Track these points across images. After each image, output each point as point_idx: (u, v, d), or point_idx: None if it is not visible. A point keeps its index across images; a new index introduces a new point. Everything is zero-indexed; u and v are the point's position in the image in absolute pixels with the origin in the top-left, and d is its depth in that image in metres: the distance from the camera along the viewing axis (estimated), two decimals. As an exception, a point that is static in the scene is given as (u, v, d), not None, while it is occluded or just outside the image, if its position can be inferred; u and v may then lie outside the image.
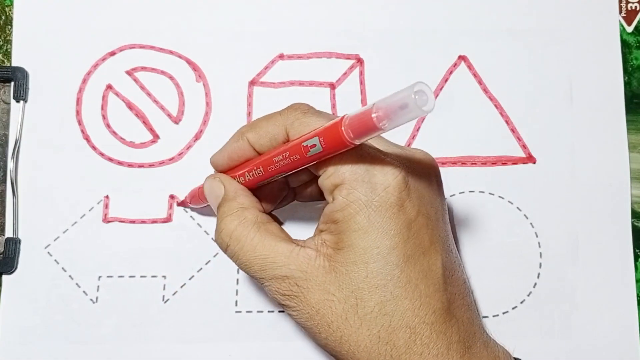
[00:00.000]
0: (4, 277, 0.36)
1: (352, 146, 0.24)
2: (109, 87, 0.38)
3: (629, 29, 0.39)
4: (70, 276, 0.36)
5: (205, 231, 0.37)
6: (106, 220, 0.37)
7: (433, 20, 0.39)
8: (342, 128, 0.24)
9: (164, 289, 0.36)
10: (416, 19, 0.39)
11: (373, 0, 0.39)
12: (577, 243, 0.37)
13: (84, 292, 0.36)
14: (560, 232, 0.37)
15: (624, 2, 0.39)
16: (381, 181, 0.26)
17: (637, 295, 0.37)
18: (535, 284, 0.37)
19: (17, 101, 0.37)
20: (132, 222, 0.37)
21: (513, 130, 0.38)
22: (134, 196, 0.37)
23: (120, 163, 0.37)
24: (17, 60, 0.38)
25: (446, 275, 0.27)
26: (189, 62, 0.38)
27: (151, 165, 0.37)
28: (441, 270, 0.27)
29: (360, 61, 0.39)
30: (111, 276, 0.36)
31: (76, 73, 0.38)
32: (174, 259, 0.37)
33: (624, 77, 0.39)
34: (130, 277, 0.36)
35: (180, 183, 0.37)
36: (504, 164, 0.38)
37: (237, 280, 0.36)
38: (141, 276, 0.36)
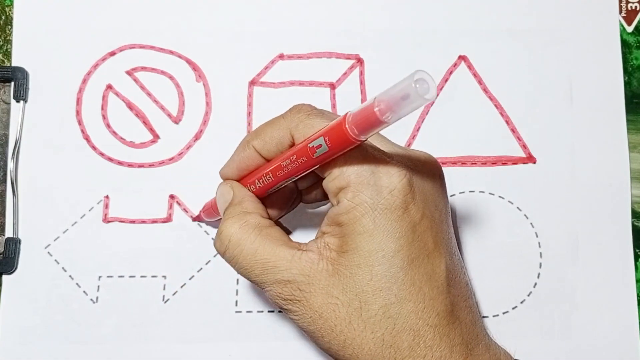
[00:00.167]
0: (4, 277, 0.36)
1: (359, 143, 0.24)
2: (109, 87, 0.38)
3: (629, 29, 0.39)
4: (70, 276, 0.36)
5: (205, 231, 0.37)
6: (106, 220, 0.37)
7: (433, 20, 0.39)
8: (346, 125, 0.24)
9: (164, 289, 0.36)
10: (416, 19, 0.39)
11: (373, 0, 0.39)
12: (577, 243, 0.37)
13: (84, 292, 0.36)
14: (560, 232, 0.37)
15: (624, 2, 0.39)
16: (387, 184, 0.26)
17: (637, 295, 0.37)
18: (535, 284, 0.37)
19: (17, 101, 0.37)
20: (132, 222, 0.37)
21: (513, 130, 0.38)
22: (134, 196, 0.37)
23: (120, 163, 0.37)
24: (17, 60, 0.38)
25: (449, 277, 0.27)
26: (189, 62, 0.38)
27: (151, 165, 0.37)
28: (445, 273, 0.27)
29: (360, 61, 0.39)
30: (111, 276, 0.36)
31: (76, 73, 0.38)
32: (174, 259, 0.37)
33: (624, 77, 0.39)
34: (130, 277, 0.36)
35: (180, 183, 0.37)
36: (504, 164, 0.38)
37: (237, 280, 0.36)
38: (141, 276, 0.36)
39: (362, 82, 0.38)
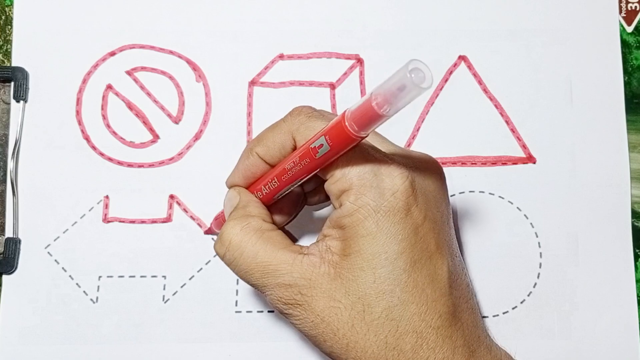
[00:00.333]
0: (4, 277, 0.36)
1: (359, 139, 0.24)
2: (109, 87, 0.38)
3: (629, 29, 0.39)
4: (70, 276, 0.36)
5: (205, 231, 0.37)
6: (106, 220, 0.37)
7: (433, 20, 0.39)
8: (346, 123, 0.24)
9: (164, 289, 0.36)
10: (416, 19, 0.39)
11: (373, 0, 0.39)
12: (577, 243, 0.37)
13: (84, 292, 0.36)
14: (560, 232, 0.37)
15: (624, 2, 0.39)
16: (389, 186, 0.26)
17: (637, 295, 0.37)
18: (535, 284, 0.37)
19: (17, 101, 0.37)
20: (132, 222, 0.37)
21: (513, 130, 0.38)
22: (134, 196, 0.37)
23: (120, 163, 0.37)
24: (17, 60, 0.38)
25: (451, 279, 0.27)
26: (189, 62, 0.38)
27: (151, 165, 0.37)
28: (447, 275, 0.27)
29: (360, 61, 0.39)
30: (111, 276, 0.36)
31: (76, 73, 0.38)
32: (174, 259, 0.37)
33: (624, 77, 0.39)
34: (130, 277, 0.36)
35: (180, 183, 0.37)
36: (504, 164, 0.38)
37: (237, 280, 0.36)
38: (141, 276, 0.36)
39: (362, 82, 0.38)
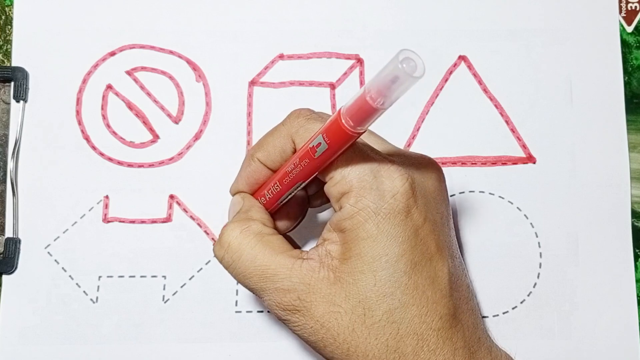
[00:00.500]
0: (4, 277, 0.36)
1: (357, 135, 0.24)
2: (109, 87, 0.38)
3: (629, 29, 0.39)
4: (70, 276, 0.36)
5: (205, 231, 0.37)
6: (106, 220, 0.37)
7: (433, 20, 0.39)
8: (342, 119, 0.24)
9: (164, 289, 0.36)
10: (416, 19, 0.39)
11: (373, 0, 0.39)
12: (577, 243, 0.37)
13: (84, 292, 0.36)
14: (560, 232, 0.37)
15: (624, 2, 0.39)
16: (389, 188, 0.26)
17: (637, 295, 0.37)
18: (535, 284, 0.37)
19: (17, 101, 0.37)
20: (132, 222, 0.37)
21: (513, 130, 0.38)
22: (134, 196, 0.37)
23: (120, 163, 0.37)
24: (17, 60, 0.38)
25: (452, 280, 0.27)
26: (189, 62, 0.38)
27: (151, 165, 0.37)
28: (447, 276, 0.27)
29: (360, 61, 0.39)
30: (111, 276, 0.36)
31: (76, 73, 0.38)
32: (174, 259, 0.37)
33: (624, 77, 0.39)
34: (130, 277, 0.36)
35: (180, 183, 0.37)
36: (504, 164, 0.38)
37: (237, 280, 0.36)
38: (141, 276, 0.36)
39: (362, 82, 0.38)
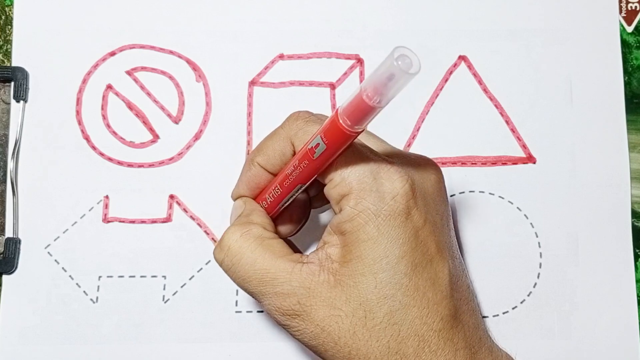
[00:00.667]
0: (4, 277, 0.36)
1: (355, 135, 0.24)
2: (109, 87, 0.38)
3: (629, 29, 0.39)
4: (70, 276, 0.36)
5: (205, 231, 0.37)
6: (106, 220, 0.37)
7: (433, 20, 0.39)
8: (339, 119, 0.24)
9: (164, 289, 0.36)
10: (416, 19, 0.39)
11: (373, 0, 0.39)
12: (577, 243, 0.37)
13: (84, 292, 0.36)
14: (560, 232, 0.37)
15: (624, 2, 0.39)
16: (389, 189, 0.26)
17: (637, 295, 0.37)
18: (535, 284, 0.37)
19: (17, 101, 0.37)
20: (132, 222, 0.37)
21: (513, 130, 0.38)
22: (134, 196, 0.37)
23: (120, 163, 0.37)
24: (17, 60, 0.38)
25: (452, 281, 0.27)
26: (189, 62, 0.38)
27: (151, 165, 0.37)
28: (448, 277, 0.27)
29: (360, 61, 0.39)
30: (111, 276, 0.36)
31: (76, 73, 0.38)
32: (174, 259, 0.37)
33: (624, 77, 0.39)
34: (130, 277, 0.36)
35: (180, 183, 0.37)
36: (504, 164, 0.38)
37: (237, 280, 0.36)
38: (141, 276, 0.36)
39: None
